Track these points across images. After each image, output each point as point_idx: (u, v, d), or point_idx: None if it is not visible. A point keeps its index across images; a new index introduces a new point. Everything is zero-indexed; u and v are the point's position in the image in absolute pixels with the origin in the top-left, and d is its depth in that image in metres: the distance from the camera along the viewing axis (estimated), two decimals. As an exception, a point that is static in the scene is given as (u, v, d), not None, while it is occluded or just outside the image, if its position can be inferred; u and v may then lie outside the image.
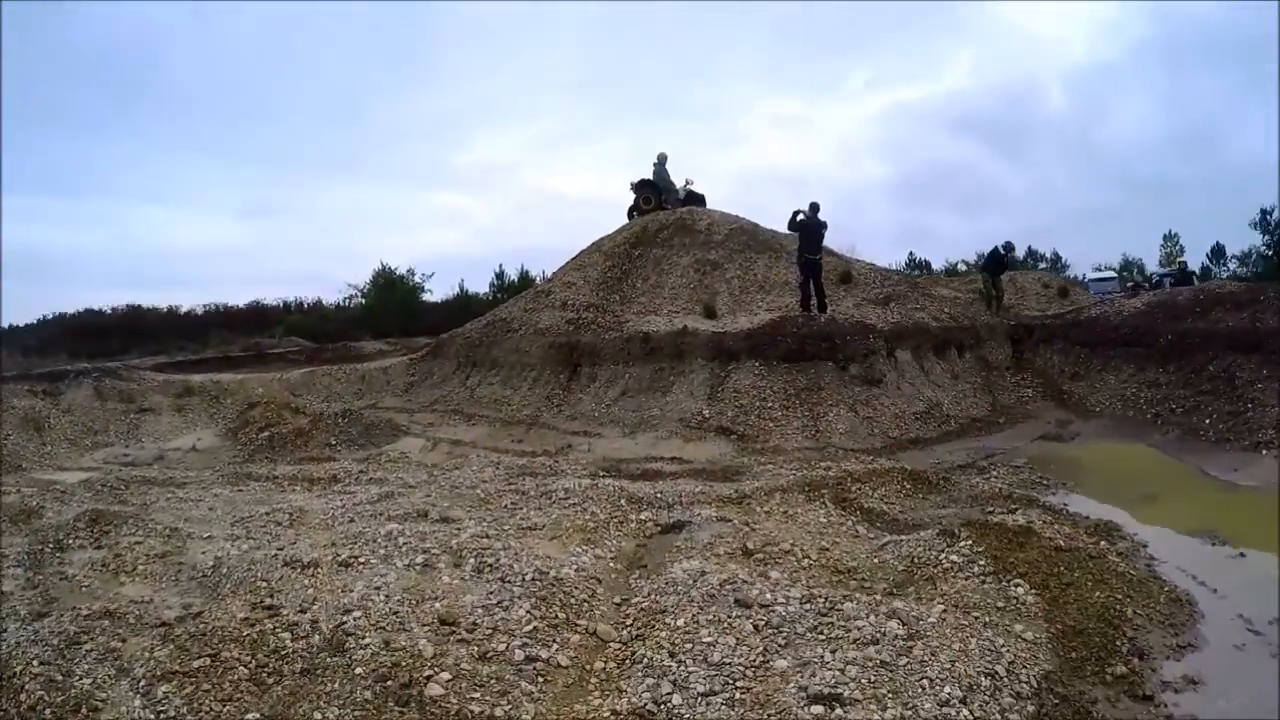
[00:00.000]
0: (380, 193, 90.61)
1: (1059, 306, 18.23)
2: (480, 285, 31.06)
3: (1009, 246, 17.34)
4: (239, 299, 36.85)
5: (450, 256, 74.91)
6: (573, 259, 18.13)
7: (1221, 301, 13.18)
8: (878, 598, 5.39)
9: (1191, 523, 7.73)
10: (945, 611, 5.28)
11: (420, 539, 6.20)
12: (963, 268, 31.90)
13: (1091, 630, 5.15)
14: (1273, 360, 11.03)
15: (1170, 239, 35.10)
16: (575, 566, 5.90)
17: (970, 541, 6.30)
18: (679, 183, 18.46)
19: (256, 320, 30.28)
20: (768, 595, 5.27)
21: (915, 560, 6.19)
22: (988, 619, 5.22)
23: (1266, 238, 30.04)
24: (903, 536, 6.75)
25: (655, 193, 18.25)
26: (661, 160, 18.41)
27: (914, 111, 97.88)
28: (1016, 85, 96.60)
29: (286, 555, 6.04)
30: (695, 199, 18.35)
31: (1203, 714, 4.29)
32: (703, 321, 14.12)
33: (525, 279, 28.25)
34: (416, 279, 30.01)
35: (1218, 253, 30.67)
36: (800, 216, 13.67)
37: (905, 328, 14.31)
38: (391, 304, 28.12)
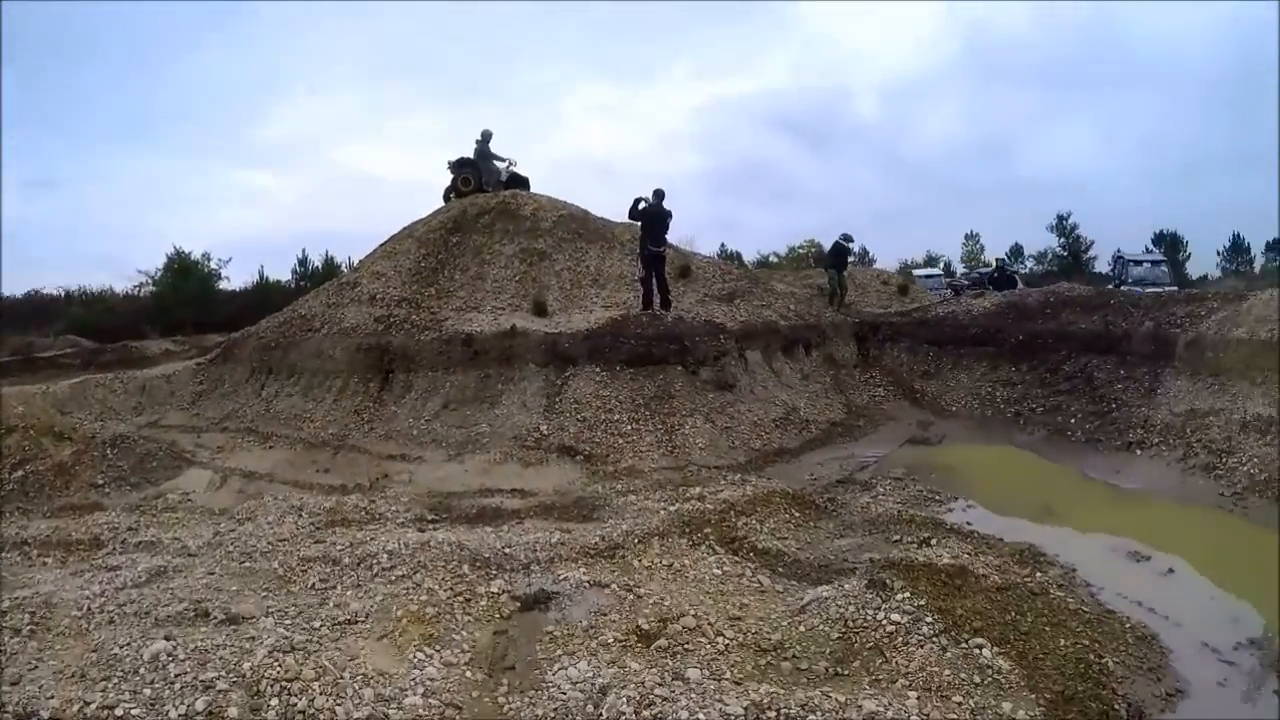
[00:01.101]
0: (176, 166, 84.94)
1: (899, 304, 18.72)
2: (283, 272, 30.29)
3: (848, 238, 17.42)
4: (15, 287, 33.88)
5: (251, 239, 70.07)
6: (382, 245, 16.22)
7: (1071, 304, 13.76)
8: (841, 699, 4.22)
9: (1103, 536, 7.57)
10: (921, 699, 4.39)
11: (200, 663, 4.41)
12: (774, 260, 33.45)
13: (1082, 694, 4.73)
14: (1128, 362, 11.50)
15: (971, 238, 39.66)
16: (422, 688, 4.38)
17: (907, 594, 5.47)
18: (502, 164, 17.36)
19: (34, 314, 27.32)
20: (700, 717, 3.92)
21: (849, 624, 5.19)
22: (972, 702, 4.44)
23: (1062, 239, 35.83)
24: (820, 590, 5.78)
25: (476, 173, 17.02)
26: (485, 138, 17.28)
27: (732, 106, 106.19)
28: (832, 89, 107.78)
29: (15, 709, 4.12)
30: (519, 182, 17.32)
31: None
32: (533, 320, 12.72)
33: (330, 266, 27.32)
34: (213, 265, 28.45)
35: (1016, 252, 34.94)
36: (643, 204, 12.71)
37: (755, 327, 13.71)
38: (185, 294, 26.46)
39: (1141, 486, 9.01)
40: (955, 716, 4.25)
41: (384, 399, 12.27)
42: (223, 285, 28.86)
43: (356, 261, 18.09)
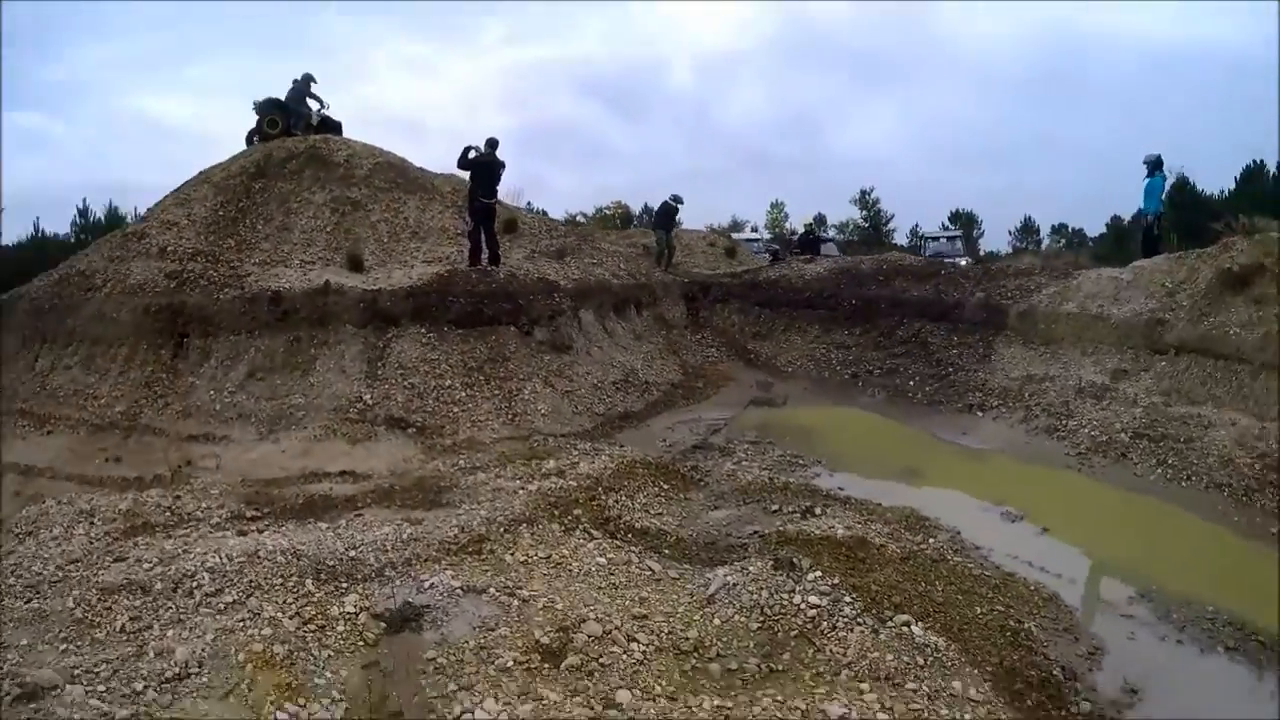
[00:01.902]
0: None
1: (728, 266, 18.90)
2: (63, 225, 26.96)
3: (678, 199, 17.23)
4: None
5: (28, 189, 60.03)
6: (174, 192, 14.04)
7: (904, 272, 14.39)
8: (802, 706, 3.78)
9: (971, 498, 7.87)
10: (877, 692, 4.14)
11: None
12: (581, 220, 33.32)
13: (1019, 663, 4.71)
14: (961, 330, 12.18)
15: (776, 206, 41.73)
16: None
17: (818, 572, 5.19)
18: (314, 107, 15.88)
19: None
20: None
21: (767, 611, 4.79)
22: (925, 687, 4.26)
23: (864, 212, 38.82)
24: (721, 573, 5.35)
25: (284, 116, 15.45)
26: (306, 80, 15.74)
27: (544, 70, 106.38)
28: (646, 59, 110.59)
29: None
30: (331, 127, 15.89)
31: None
32: (348, 276, 11.37)
33: (115, 218, 24.45)
34: None
35: (819, 221, 37.06)
36: (474, 153, 11.93)
37: (588, 285, 13.16)
38: (-58, 252, 22.12)
39: (991, 447, 9.46)
40: (919, 707, 4.00)
41: (179, 368, 10.66)
42: (-6, 241, 25.17)
43: (144, 212, 15.40)
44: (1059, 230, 37.53)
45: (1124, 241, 25.85)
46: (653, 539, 6.30)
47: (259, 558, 5.11)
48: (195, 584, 4.78)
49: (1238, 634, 5.31)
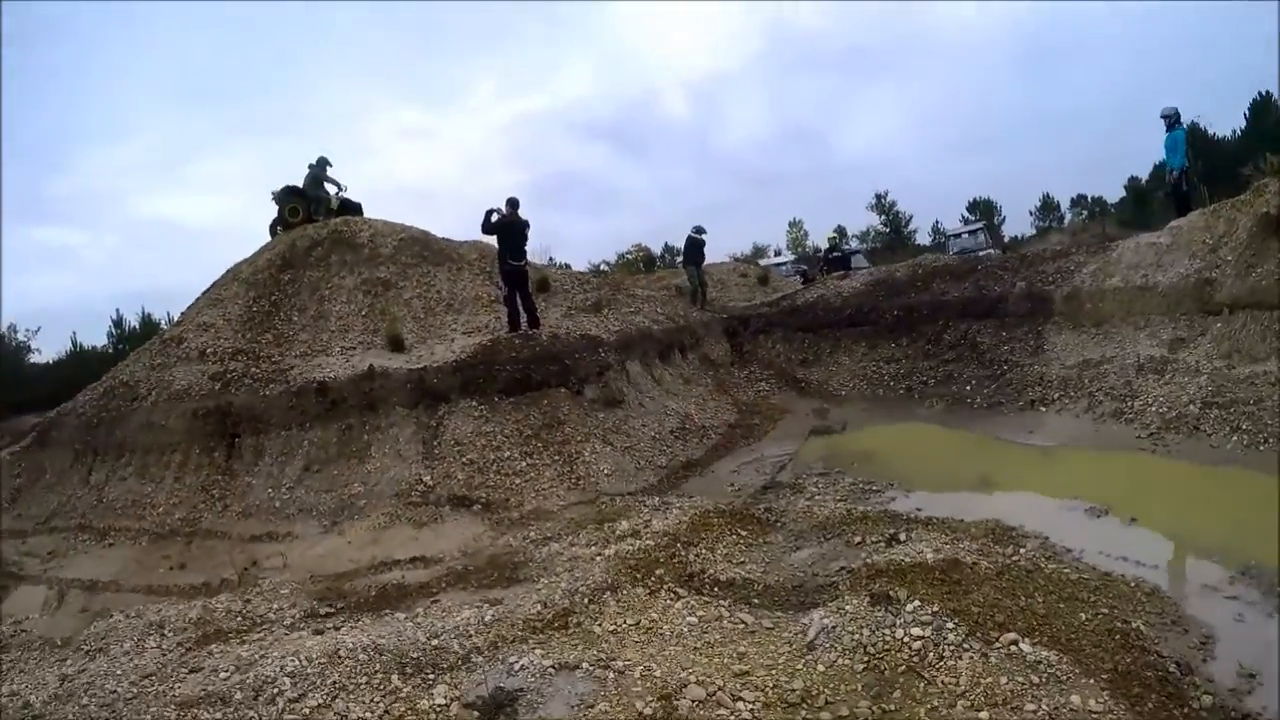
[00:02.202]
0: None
1: (762, 294, 18.98)
2: (99, 338, 28.02)
3: (700, 230, 17.31)
4: None
5: (59, 306, 64.30)
6: (205, 293, 14.59)
7: (940, 274, 14.39)
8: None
9: (1050, 498, 7.81)
10: (996, 718, 4.13)
11: None
12: (605, 268, 33.73)
13: (1133, 666, 4.69)
14: (1008, 324, 12.11)
15: (795, 225, 41.95)
16: None
17: (916, 602, 5.22)
18: (332, 190, 16.30)
19: None
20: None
21: (870, 650, 4.84)
22: (1044, 706, 4.23)
23: (883, 217, 38.81)
24: (816, 616, 5.41)
25: (304, 202, 15.89)
26: (321, 164, 16.16)
27: (540, 120, 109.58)
28: (637, 92, 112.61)
29: None
30: (351, 208, 16.33)
31: None
32: (390, 357, 11.65)
33: (150, 325, 25.64)
34: (20, 337, 27.26)
35: (840, 233, 37.14)
36: (496, 216, 12.04)
37: (630, 335, 13.36)
38: (-9, 375, 23.58)
39: (1060, 442, 9.37)
40: None
41: (234, 469, 10.83)
42: (34, 359, 27.50)
43: (177, 316, 16.14)
44: (1079, 202, 37.17)
45: (1145, 202, 25.59)
46: (740, 589, 6.34)
47: (339, 657, 5.26)
48: (276, 690, 4.94)
49: None
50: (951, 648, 4.77)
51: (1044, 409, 10.31)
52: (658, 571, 6.51)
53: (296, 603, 6.96)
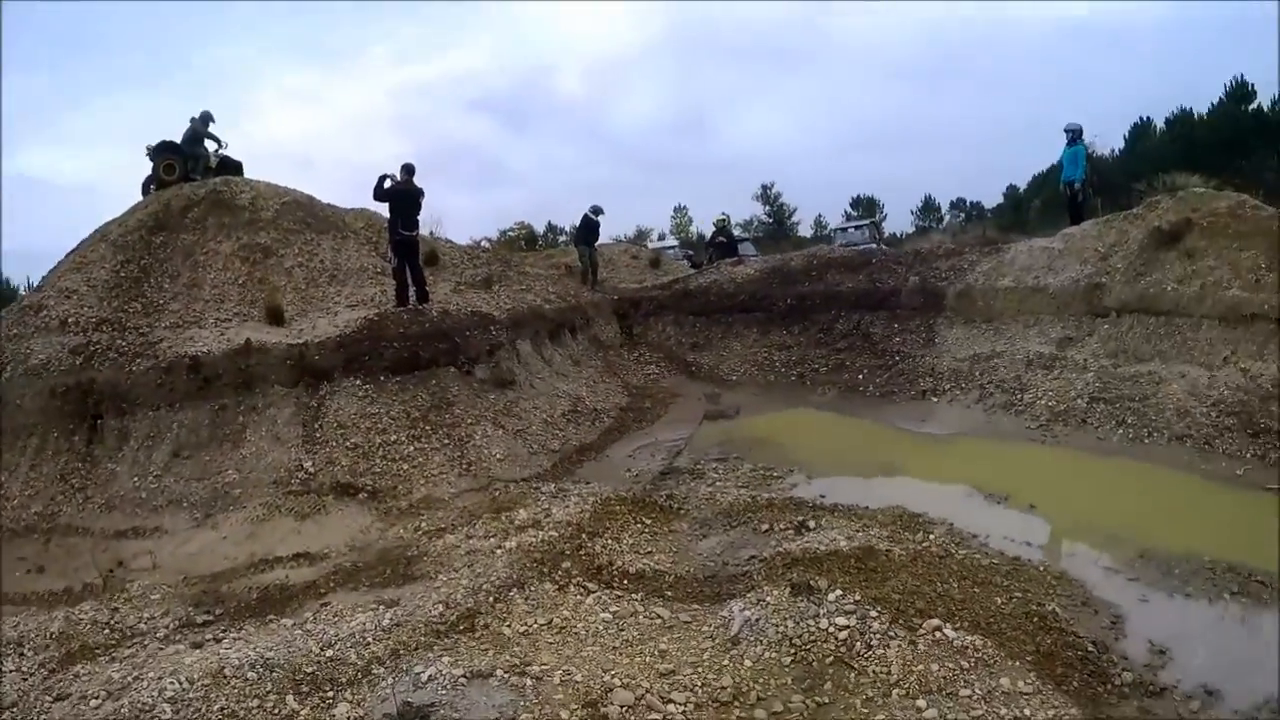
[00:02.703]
0: None
1: (654, 278, 18.77)
2: None
3: (598, 210, 17.02)
4: None
5: None
6: (69, 255, 12.99)
7: (833, 266, 14.56)
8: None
9: (950, 485, 8.01)
10: (937, 706, 4.15)
11: None
12: (487, 244, 33.06)
13: (1054, 647, 4.82)
14: (900, 316, 12.45)
15: (680, 211, 42.15)
16: None
17: (838, 591, 5.16)
18: (212, 148, 14.97)
19: None
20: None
21: (795, 641, 4.75)
22: (977, 691, 4.28)
23: (767, 208, 39.58)
24: (736, 608, 5.27)
25: (181, 159, 14.52)
26: (204, 119, 14.90)
27: (430, 89, 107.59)
28: (533, 69, 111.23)
29: None
30: (231, 167, 15.05)
31: (1198, 678, 4.60)
32: (269, 331, 10.69)
33: (7, 290, 23.51)
34: None
35: (727, 219, 37.64)
36: (390, 182, 11.41)
37: (521, 314, 12.85)
38: None
39: (953, 431, 9.69)
40: (980, 713, 4.05)
41: (96, 455, 9.59)
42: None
43: (38, 281, 14.23)
44: (958, 205, 39.14)
45: (1021, 209, 27.24)
46: (651, 582, 6.14)
47: (224, 676, 4.75)
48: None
49: (1238, 578, 5.63)
50: (878, 636, 4.74)
51: (936, 399, 10.63)
52: (564, 565, 6.25)
53: (170, 610, 6.27)
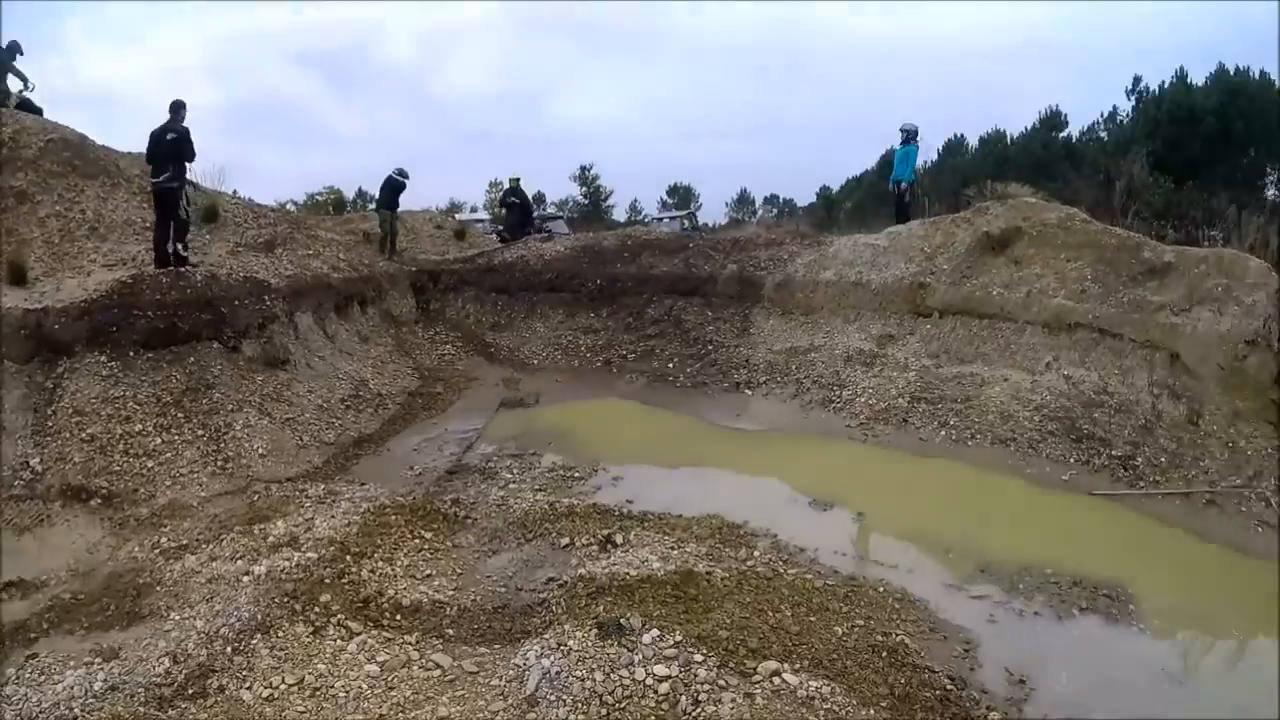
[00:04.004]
0: None
1: (457, 250, 17.38)
2: None
3: (403, 173, 15.61)
4: None
5: None
6: None
7: (649, 248, 13.88)
8: None
9: (769, 485, 7.61)
10: None
11: None
12: (292, 208, 30.43)
13: (909, 687, 4.32)
14: (714, 304, 11.95)
15: (495, 185, 40.61)
16: None
17: (654, 632, 4.35)
18: (16, 85, 12.74)
19: None
20: None
21: (607, 700, 3.93)
22: None
23: (584, 188, 39.35)
24: (531, 655, 4.34)
25: None
26: (11, 51, 12.74)
27: (254, 37, 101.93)
28: (365, 26, 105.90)
29: None
30: (31, 110, 12.71)
31: (1065, 708, 4.40)
32: (7, 291, 8.63)
33: None
34: None
35: (539, 200, 36.82)
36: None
37: (304, 282, 11.32)
38: None
39: (769, 428, 9.22)
40: None
41: None
42: None
43: None
44: (771, 200, 40.26)
45: (833, 209, 28.41)
46: (429, 617, 5.07)
47: None
48: None
49: (1085, 593, 5.48)
50: (706, 688, 3.98)
51: (750, 392, 10.18)
52: (323, 598, 5.05)
53: None
